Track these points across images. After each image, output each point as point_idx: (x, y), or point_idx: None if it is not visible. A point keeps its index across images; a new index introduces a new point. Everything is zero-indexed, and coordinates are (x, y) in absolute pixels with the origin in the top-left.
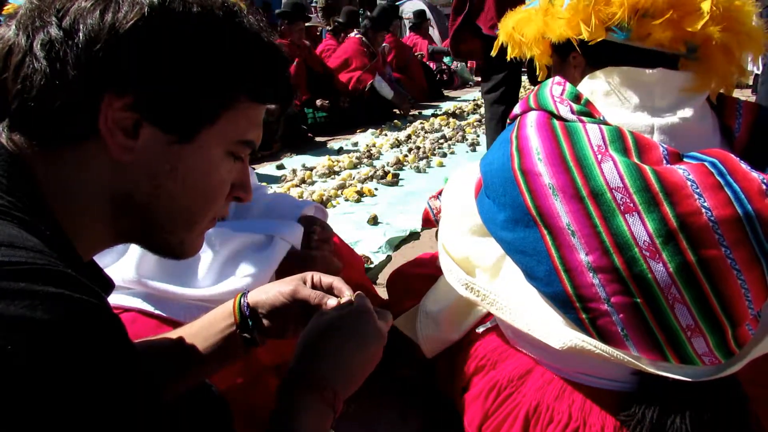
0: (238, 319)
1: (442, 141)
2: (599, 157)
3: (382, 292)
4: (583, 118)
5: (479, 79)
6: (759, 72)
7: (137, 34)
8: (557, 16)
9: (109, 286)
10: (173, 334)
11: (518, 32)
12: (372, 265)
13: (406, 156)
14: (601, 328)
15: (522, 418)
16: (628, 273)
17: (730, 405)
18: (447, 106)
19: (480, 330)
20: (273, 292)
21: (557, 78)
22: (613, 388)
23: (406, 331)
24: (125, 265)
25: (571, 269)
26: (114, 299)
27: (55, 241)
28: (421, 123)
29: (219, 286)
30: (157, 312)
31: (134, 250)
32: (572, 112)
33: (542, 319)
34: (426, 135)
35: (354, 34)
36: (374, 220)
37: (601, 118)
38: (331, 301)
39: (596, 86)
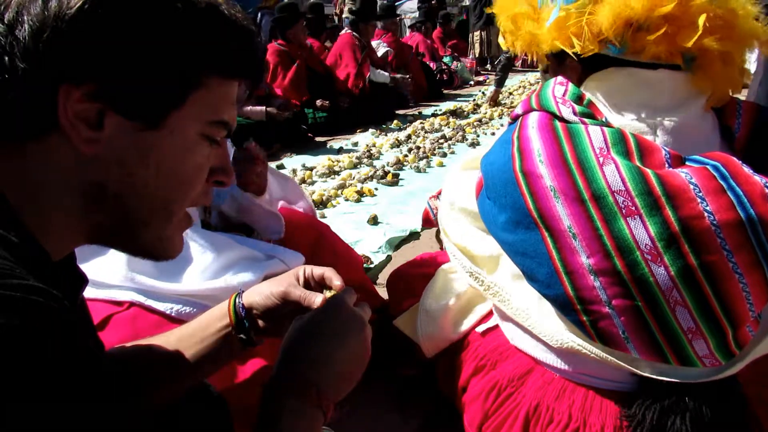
0: (233, 320)
1: (442, 141)
2: (601, 159)
3: (382, 292)
4: (585, 120)
5: (479, 78)
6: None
7: (84, 18)
8: (546, 30)
9: (82, 281)
10: (169, 335)
11: (515, 26)
12: (372, 265)
13: (406, 156)
14: (601, 330)
15: (522, 418)
16: (629, 276)
17: (729, 405)
18: (447, 105)
19: (480, 329)
20: (266, 293)
21: (560, 78)
22: (614, 388)
23: (406, 331)
24: (116, 264)
25: (572, 272)
26: (107, 294)
27: (12, 241)
28: (421, 123)
29: (206, 283)
30: (148, 303)
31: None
32: (574, 113)
33: (541, 318)
34: (426, 135)
35: (344, 31)
36: (374, 220)
37: (603, 119)
38: (318, 299)
39: (598, 87)
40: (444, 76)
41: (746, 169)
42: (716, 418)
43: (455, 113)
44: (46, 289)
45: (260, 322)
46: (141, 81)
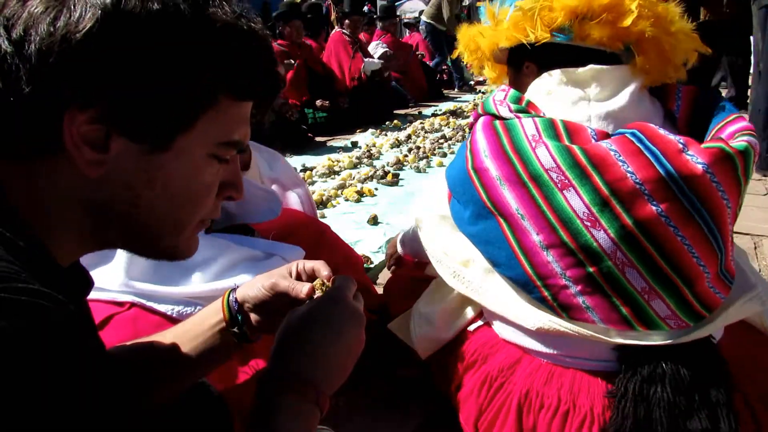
0: (226, 316)
1: (442, 141)
2: (534, 144)
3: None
4: (520, 115)
5: (480, 78)
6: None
7: (93, 41)
8: (505, 26)
9: (88, 284)
10: (166, 333)
11: (474, 44)
12: (372, 265)
13: (406, 156)
14: (563, 302)
15: (515, 408)
16: (575, 245)
17: (708, 366)
18: (447, 105)
19: (471, 328)
20: (257, 285)
21: (502, 86)
22: (599, 368)
23: (400, 334)
24: (115, 270)
25: (528, 250)
26: (107, 296)
27: (19, 246)
28: (421, 123)
29: (207, 285)
30: (149, 305)
31: (121, 255)
32: (510, 111)
33: (516, 305)
34: (426, 135)
35: (334, 30)
36: (374, 220)
37: (541, 114)
38: (305, 288)
39: (538, 88)
40: (444, 76)
41: (662, 132)
42: (696, 380)
43: (455, 113)
44: (51, 293)
45: (253, 316)
46: (148, 105)
